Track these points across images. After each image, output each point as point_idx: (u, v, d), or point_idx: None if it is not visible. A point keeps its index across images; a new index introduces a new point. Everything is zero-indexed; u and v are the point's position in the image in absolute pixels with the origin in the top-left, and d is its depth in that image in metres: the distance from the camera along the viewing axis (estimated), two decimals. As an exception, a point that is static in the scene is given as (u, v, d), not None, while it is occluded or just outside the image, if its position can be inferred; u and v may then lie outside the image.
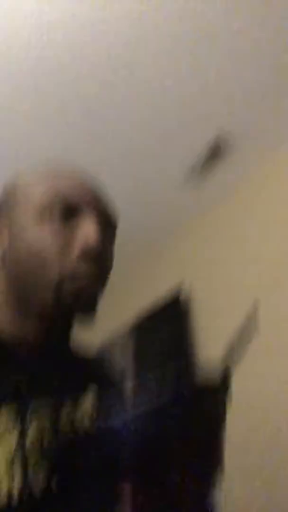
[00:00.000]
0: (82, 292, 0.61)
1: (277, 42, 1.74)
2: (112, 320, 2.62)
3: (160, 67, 1.81)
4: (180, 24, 1.64)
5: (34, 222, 0.63)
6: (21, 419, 0.56)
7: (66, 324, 0.67)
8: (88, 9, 1.58)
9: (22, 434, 0.56)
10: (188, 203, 2.52)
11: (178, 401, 0.52)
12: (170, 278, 2.62)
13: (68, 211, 0.63)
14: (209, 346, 2.23)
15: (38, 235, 0.62)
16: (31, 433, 0.56)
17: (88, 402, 0.65)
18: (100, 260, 0.63)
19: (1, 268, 0.66)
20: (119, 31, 1.67)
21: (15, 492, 0.53)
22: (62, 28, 1.64)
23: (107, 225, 0.67)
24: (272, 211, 2.20)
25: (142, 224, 2.63)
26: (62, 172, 0.68)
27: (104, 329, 2.12)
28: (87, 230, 0.62)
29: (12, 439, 0.55)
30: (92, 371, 0.73)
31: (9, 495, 0.52)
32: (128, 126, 2.04)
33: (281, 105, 2.00)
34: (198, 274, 2.50)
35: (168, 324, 2.51)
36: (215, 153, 2.19)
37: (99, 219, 0.65)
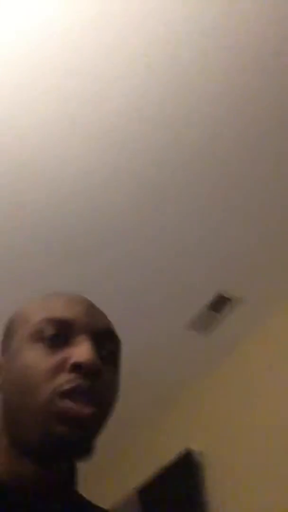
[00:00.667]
0: (78, 418, 0.55)
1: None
2: (120, 482, 2.65)
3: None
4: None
5: (27, 345, 0.61)
6: None
7: (66, 466, 0.62)
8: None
9: None
10: (194, 358, 2.54)
11: None
12: (179, 438, 2.59)
13: (61, 332, 0.60)
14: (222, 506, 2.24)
15: (30, 358, 0.59)
16: None
17: None
18: (97, 379, 0.58)
19: (1, 400, 0.63)
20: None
21: None
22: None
23: (106, 344, 0.63)
24: (280, 366, 2.23)
25: (149, 380, 2.59)
26: (60, 294, 0.67)
27: (112, 491, 2.30)
28: (80, 349, 0.58)
29: None
30: None
31: None
32: (131, 286, 2.13)
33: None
34: (207, 432, 2.50)
35: (179, 485, 2.43)
36: (216, 309, 2.28)
37: (96, 338, 0.61)
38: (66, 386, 0.56)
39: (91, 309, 0.65)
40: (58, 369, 0.58)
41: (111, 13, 1.40)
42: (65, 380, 0.57)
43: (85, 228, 1.90)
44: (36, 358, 0.59)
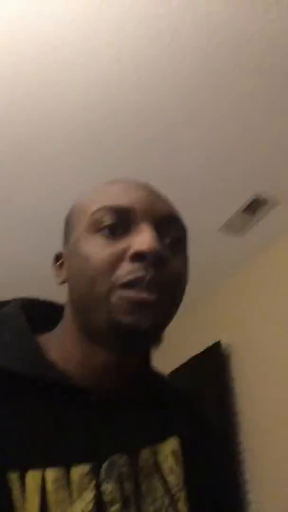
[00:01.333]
0: (141, 304, 0.52)
1: None
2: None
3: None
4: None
5: (86, 236, 0.57)
6: (97, 474, 0.52)
7: (137, 352, 0.59)
8: None
9: (98, 487, 0.52)
10: (225, 258, 2.56)
11: None
12: (211, 331, 2.63)
13: (120, 220, 0.56)
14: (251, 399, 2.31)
15: (89, 248, 0.55)
16: (108, 486, 0.53)
17: (170, 448, 0.61)
18: (161, 267, 0.54)
19: (68, 295, 0.60)
20: None
21: None
22: None
23: (170, 231, 0.58)
24: None
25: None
26: (119, 181, 0.62)
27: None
28: (141, 237, 0.54)
29: (88, 495, 0.51)
30: (176, 411, 0.66)
31: None
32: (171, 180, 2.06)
33: None
34: (237, 327, 2.54)
35: (208, 375, 2.49)
36: (252, 211, 2.23)
37: (159, 225, 0.57)
38: (128, 277, 0.53)
39: (153, 194, 0.60)
40: (118, 259, 0.54)
41: None
42: (127, 270, 0.53)
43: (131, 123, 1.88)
44: (94, 249, 0.55)
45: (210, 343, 2.62)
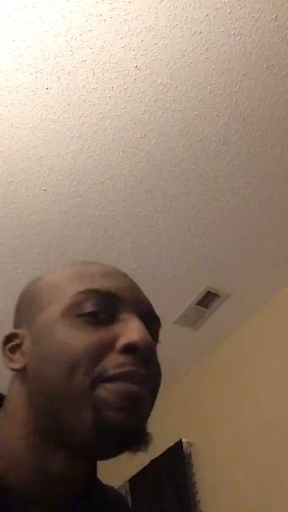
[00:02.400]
0: (134, 399, 0.47)
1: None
2: (110, 474, 2.62)
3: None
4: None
5: (62, 320, 0.50)
6: None
7: (117, 455, 0.50)
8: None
9: None
10: (182, 350, 2.59)
11: None
12: (169, 430, 2.61)
13: (104, 306, 0.51)
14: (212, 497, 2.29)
15: (67, 334, 0.49)
16: None
17: None
18: (149, 364, 0.49)
19: (21, 385, 0.51)
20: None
21: None
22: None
23: (151, 323, 0.54)
24: (266, 359, 2.29)
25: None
26: (93, 263, 0.58)
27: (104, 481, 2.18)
28: (132, 328, 0.49)
29: None
30: None
31: None
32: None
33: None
34: (197, 426, 2.54)
35: (169, 476, 2.45)
36: (205, 304, 2.33)
37: (142, 317, 0.52)
38: (119, 370, 0.47)
39: (133, 284, 0.56)
40: (104, 349, 0.48)
41: None
42: (116, 362, 0.47)
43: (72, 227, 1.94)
44: (75, 335, 0.48)
45: (171, 443, 2.52)
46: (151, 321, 0.54)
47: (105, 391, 0.46)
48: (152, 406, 0.51)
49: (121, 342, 0.48)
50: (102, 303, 0.51)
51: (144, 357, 0.49)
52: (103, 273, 0.54)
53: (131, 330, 0.49)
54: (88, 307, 0.50)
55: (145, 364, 0.49)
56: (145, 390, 0.48)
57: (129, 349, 0.48)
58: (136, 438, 0.47)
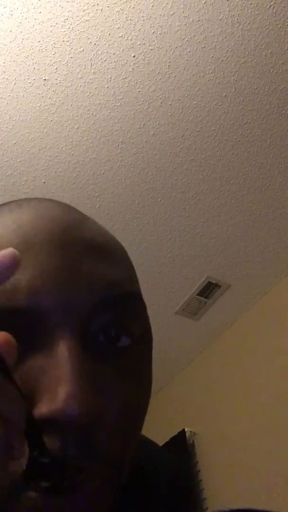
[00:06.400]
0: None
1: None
2: None
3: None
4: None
5: None
6: None
7: None
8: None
9: None
10: (184, 341, 2.59)
11: None
12: (171, 422, 2.63)
13: (15, 335, 0.26)
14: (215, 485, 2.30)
15: None
16: None
17: None
18: (88, 435, 0.29)
19: None
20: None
21: None
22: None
23: (107, 310, 0.32)
24: (266, 348, 2.29)
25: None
26: (7, 215, 0.35)
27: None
28: (52, 376, 0.29)
29: None
30: None
31: None
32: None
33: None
34: (199, 416, 2.55)
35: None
36: (206, 294, 2.33)
37: (87, 318, 0.31)
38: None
39: (73, 255, 0.33)
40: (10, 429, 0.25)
41: None
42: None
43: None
44: None
45: (174, 432, 2.54)
46: (106, 312, 0.32)
47: (29, 501, 0.28)
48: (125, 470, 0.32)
49: (39, 414, 0.28)
50: (9, 331, 0.26)
51: (79, 434, 0.29)
52: (17, 248, 0.30)
53: (53, 385, 0.28)
54: None
55: (80, 439, 0.29)
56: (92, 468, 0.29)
57: (49, 427, 0.28)
58: None
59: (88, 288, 0.31)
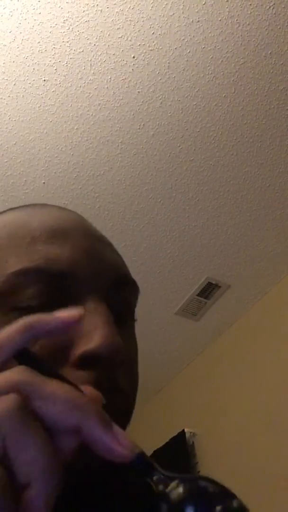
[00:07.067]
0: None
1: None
2: None
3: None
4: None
5: None
6: None
7: None
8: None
9: None
10: (184, 341, 2.59)
11: None
12: (171, 423, 2.63)
13: (51, 293, 0.35)
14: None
15: None
16: None
17: None
18: (117, 376, 0.35)
19: None
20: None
21: None
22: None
23: (121, 291, 0.40)
24: (265, 349, 2.29)
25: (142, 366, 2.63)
26: (38, 209, 0.44)
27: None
28: (90, 321, 0.34)
29: None
30: None
31: None
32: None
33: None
34: (199, 416, 2.55)
35: (172, 466, 2.44)
36: (206, 294, 2.33)
37: (108, 293, 0.38)
38: None
39: (94, 241, 0.41)
40: (52, 363, 0.32)
41: None
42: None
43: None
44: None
45: (174, 433, 2.54)
46: (121, 289, 0.40)
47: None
48: (127, 422, 0.38)
49: (76, 352, 0.33)
50: (48, 290, 0.35)
51: (111, 367, 0.34)
52: (50, 231, 0.38)
53: (90, 330, 0.33)
54: (28, 297, 0.34)
55: (112, 379, 0.34)
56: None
57: (89, 361, 0.33)
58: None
59: (110, 267, 0.40)
